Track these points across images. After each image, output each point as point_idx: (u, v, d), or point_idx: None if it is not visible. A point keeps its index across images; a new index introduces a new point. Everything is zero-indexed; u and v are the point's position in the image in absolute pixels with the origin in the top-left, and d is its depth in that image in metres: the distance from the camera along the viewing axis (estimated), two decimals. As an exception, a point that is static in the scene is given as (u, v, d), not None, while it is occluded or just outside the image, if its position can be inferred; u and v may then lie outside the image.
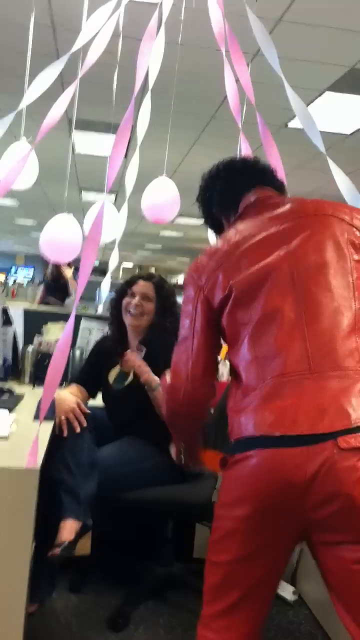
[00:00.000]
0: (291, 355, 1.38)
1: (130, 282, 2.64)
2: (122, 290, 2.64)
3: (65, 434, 2.30)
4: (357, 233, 1.51)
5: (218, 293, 1.52)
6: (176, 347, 1.60)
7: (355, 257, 1.48)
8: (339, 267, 1.46)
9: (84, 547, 2.19)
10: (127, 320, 2.59)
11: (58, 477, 2.19)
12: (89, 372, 2.72)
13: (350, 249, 1.48)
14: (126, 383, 2.57)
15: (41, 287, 7.02)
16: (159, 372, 2.33)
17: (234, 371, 1.52)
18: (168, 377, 1.62)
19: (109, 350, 2.69)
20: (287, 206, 1.60)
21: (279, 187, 1.73)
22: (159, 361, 2.35)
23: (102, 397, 2.68)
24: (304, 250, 1.49)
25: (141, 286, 2.60)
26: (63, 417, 2.33)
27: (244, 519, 1.34)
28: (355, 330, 1.40)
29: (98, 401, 2.69)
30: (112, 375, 2.63)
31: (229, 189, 1.70)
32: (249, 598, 1.38)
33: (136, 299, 2.56)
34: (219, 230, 1.79)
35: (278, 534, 1.35)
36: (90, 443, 2.35)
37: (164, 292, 2.62)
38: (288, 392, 1.34)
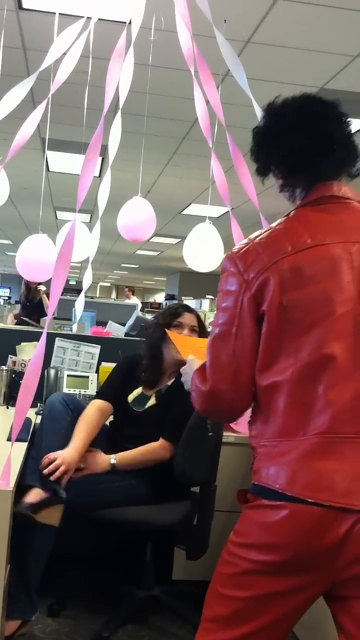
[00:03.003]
0: (341, 413, 1.25)
1: (174, 314, 2.56)
2: (166, 323, 2.53)
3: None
4: None
5: (268, 302, 1.29)
6: (213, 343, 1.34)
7: None
8: None
9: (52, 517, 2.16)
10: (174, 352, 2.40)
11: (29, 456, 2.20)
12: (119, 388, 2.60)
13: None
14: (147, 406, 2.53)
15: (17, 307, 6.99)
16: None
17: (263, 397, 1.33)
18: (199, 378, 1.36)
19: (136, 371, 2.58)
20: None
21: (355, 175, 1.43)
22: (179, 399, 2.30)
23: (115, 413, 2.59)
24: None
25: (187, 318, 2.54)
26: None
27: (271, 564, 1.26)
28: None
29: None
30: (133, 395, 2.57)
31: (307, 167, 1.40)
32: (260, 634, 1.30)
33: (186, 332, 2.50)
34: (262, 172, 1.51)
35: (304, 586, 1.27)
36: (67, 429, 2.37)
37: (202, 324, 2.58)
38: (330, 454, 1.24)
